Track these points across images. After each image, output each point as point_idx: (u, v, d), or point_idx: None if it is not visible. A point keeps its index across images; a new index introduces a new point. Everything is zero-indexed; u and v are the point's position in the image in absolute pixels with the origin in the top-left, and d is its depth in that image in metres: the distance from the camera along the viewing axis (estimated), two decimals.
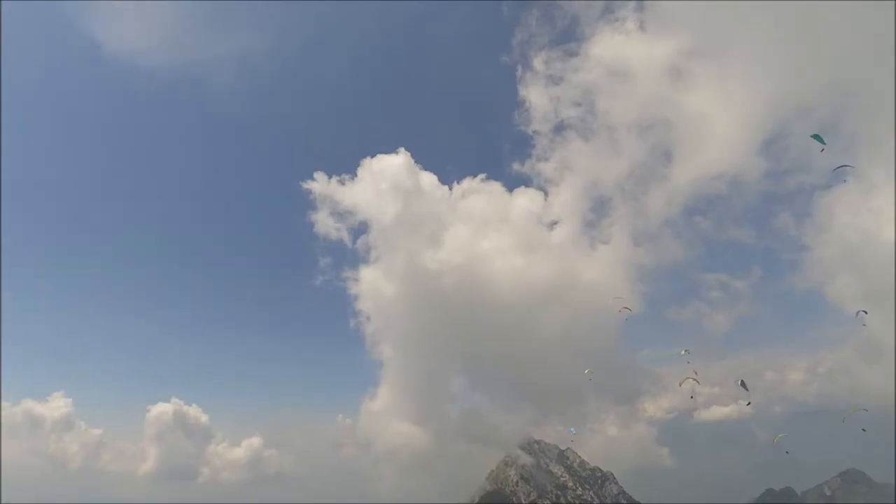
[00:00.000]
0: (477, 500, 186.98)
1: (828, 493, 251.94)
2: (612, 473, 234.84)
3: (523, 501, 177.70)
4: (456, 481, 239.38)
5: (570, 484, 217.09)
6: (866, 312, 42.90)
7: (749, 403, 55.00)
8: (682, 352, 61.88)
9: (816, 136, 50.50)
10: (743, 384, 52.73)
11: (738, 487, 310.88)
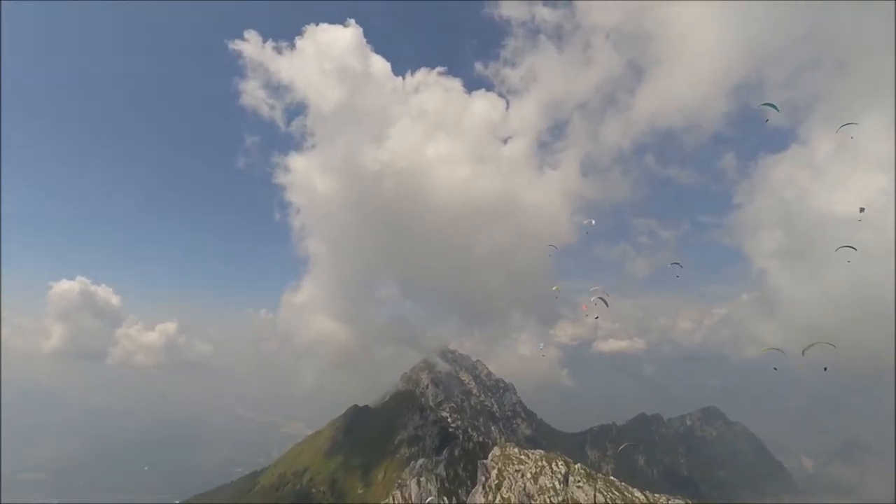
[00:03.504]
0: (388, 398, 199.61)
1: (688, 423, 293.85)
2: (513, 385, 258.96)
3: (431, 403, 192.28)
4: (375, 380, 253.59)
5: (475, 391, 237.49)
6: (855, 249, 45.95)
7: (678, 265, 59.12)
8: (554, 287, 64.63)
9: (769, 104, 50.91)
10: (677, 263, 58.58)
11: (619, 409, 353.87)
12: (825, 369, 38.76)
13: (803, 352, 32.78)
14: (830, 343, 32.09)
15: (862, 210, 54.03)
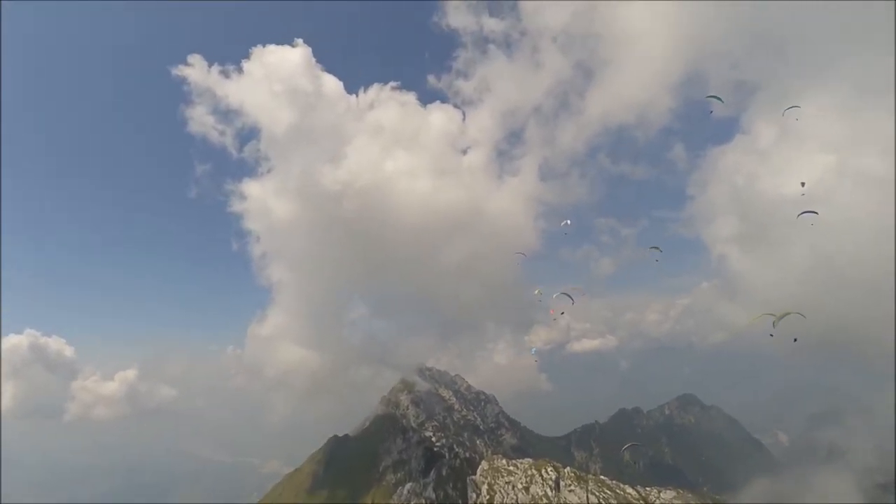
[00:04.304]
0: (368, 423, 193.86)
1: (667, 413, 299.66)
2: (494, 396, 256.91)
3: (413, 424, 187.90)
4: (351, 406, 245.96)
5: (457, 406, 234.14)
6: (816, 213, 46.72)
7: (657, 249, 59.85)
8: (536, 291, 64.61)
9: (714, 96, 52.76)
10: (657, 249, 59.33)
11: (600, 407, 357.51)
12: (795, 340, 39.43)
13: (774, 323, 33.20)
14: (800, 313, 32.65)
15: (803, 185, 56.33)
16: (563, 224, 70.77)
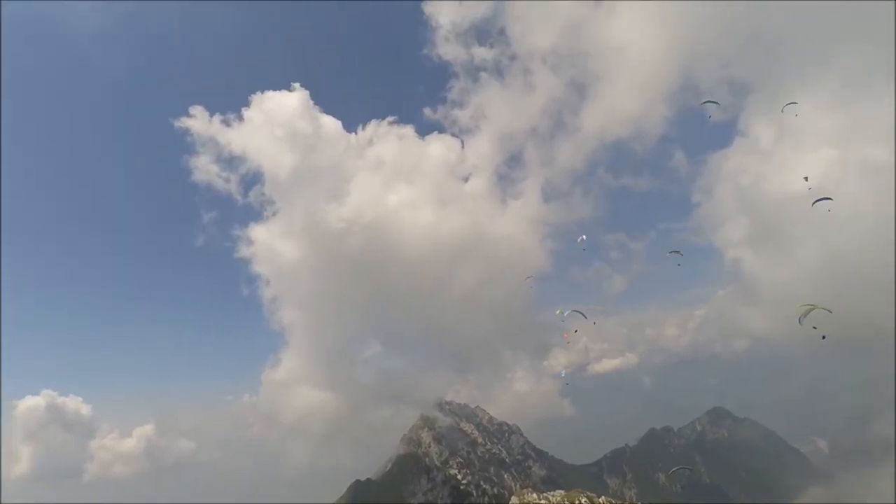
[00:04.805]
0: (390, 465, 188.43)
1: (698, 429, 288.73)
2: (517, 426, 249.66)
3: (436, 462, 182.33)
4: (372, 446, 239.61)
5: (480, 440, 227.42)
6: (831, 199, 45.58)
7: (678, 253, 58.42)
8: (557, 311, 62.96)
9: (710, 101, 52.95)
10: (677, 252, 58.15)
11: (628, 429, 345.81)
12: (823, 338, 37.57)
13: (800, 320, 31.67)
14: (826, 308, 30.99)
15: (806, 179, 55.61)
16: (579, 240, 70.13)
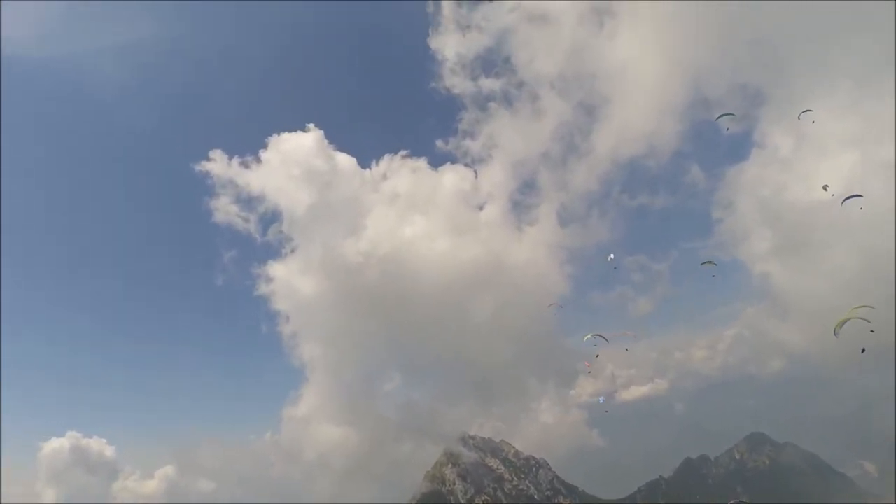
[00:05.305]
0: (414, 502, 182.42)
1: (737, 457, 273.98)
2: (545, 460, 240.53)
3: (462, 500, 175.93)
4: (394, 483, 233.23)
5: (507, 476, 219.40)
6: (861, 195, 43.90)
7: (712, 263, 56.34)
8: (586, 337, 60.10)
9: (726, 115, 52.46)
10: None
11: (661, 459, 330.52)
12: (863, 351, 35.15)
13: (835, 331, 29.56)
14: (864, 318, 28.75)
15: (825, 188, 53.99)
16: (609, 258, 68.97)
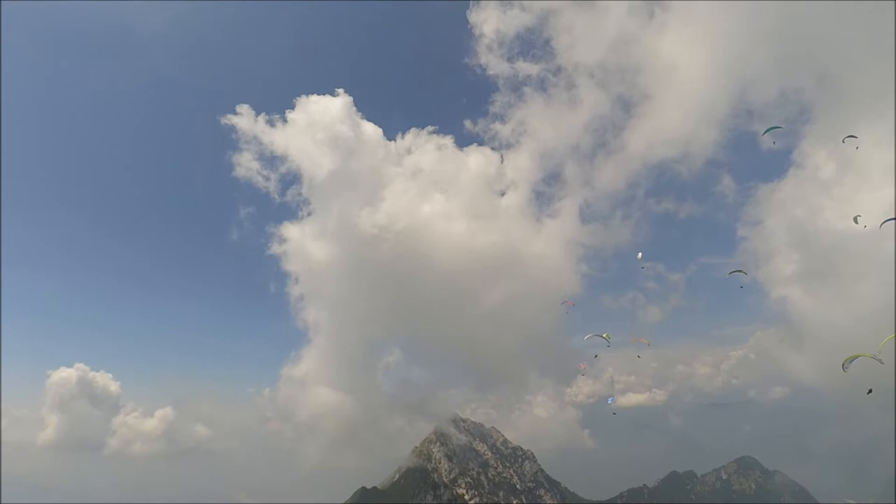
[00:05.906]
0: (398, 476, 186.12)
1: (724, 477, 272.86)
2: (532, 452, 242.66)
3: (445, 479, 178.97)
4: (382, 454, 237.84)
5: (493, 462, 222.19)
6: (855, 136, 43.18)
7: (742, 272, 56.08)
8: (605, 335, 59.79)
9: (775, 128, 51.00)
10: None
11: (648, 468, 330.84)
12: (869, 391, 34.21)
13: (844, 366, 28.74)
14: (878, 358, 27.63)
15: (856, 220, 52.29)
16: (638, 257, 68.08)
